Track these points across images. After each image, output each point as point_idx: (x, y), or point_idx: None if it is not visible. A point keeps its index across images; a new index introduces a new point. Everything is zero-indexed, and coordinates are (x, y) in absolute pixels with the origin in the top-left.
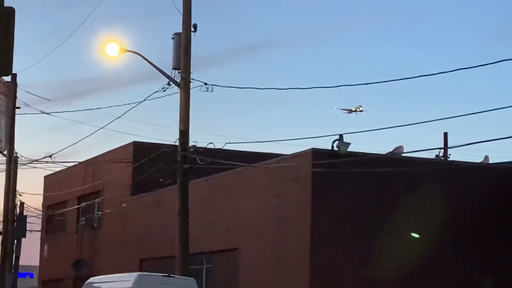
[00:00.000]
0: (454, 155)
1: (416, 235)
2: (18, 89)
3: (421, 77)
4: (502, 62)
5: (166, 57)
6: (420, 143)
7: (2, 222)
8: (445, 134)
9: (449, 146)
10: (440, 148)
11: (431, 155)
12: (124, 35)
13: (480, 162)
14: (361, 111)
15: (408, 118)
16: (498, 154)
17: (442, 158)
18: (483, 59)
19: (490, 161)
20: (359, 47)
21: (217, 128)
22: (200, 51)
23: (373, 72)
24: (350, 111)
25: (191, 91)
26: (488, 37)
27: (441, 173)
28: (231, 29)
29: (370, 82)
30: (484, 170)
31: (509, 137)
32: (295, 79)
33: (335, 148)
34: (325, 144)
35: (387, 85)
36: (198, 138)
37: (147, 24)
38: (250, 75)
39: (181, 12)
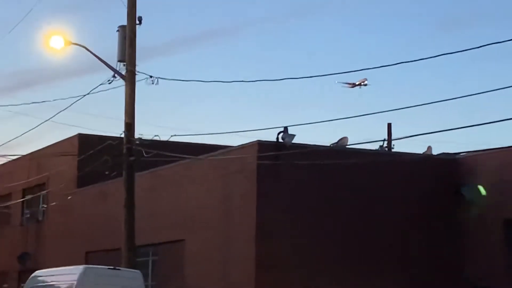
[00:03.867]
0: (398, 147)
1: None
2: None
3: (364, 70)
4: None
5: (112, 49)
6: (365, 134)
7: None
8: (389, 125)
9: (393, 137)
10: (384, 140)
11: (375, 146)
12: (69, 26)
13: (423, 153)
14: (365, 85)
15: (354, 109)
16: (441, 144)
17: (386, 149)
18: (429, 48)
19: (433, 152)
20: (304, 37)
21: (163, 120)
22: (145, 42)
23: (321, 63)
24: (354, 85)
25: (137, 83)
26: (433, 25)
27: (384, 164)
28: (176, 19)
29: (316, 75)
30: (427, 161)
31: (451, 129)
32: (241, 70)
33: (280, 140)
34: (272, 136)
35: (334, 77)
36: (144, 131)
37: (93, 15)
38: (196, 66)
39: (126, 4)
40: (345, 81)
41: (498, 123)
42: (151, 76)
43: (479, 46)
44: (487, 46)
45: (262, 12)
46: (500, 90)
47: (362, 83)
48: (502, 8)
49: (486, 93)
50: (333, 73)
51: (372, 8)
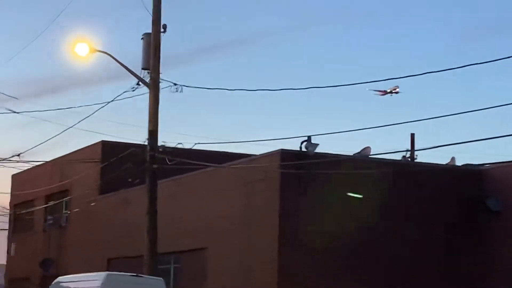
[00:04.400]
0: (421, 157)
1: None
2: None
3: (388, 80)
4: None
5: (136, 56)
6: (388, 144)
7: None
8: (412, 136)
9: (416, 148)
10: (408, 151)
11: (398, 156)
12: (94, 33)
13: (447, 164)
14: (396, 92)
15: (377, 119)
16: (465, 155)
17: (409, 159)
18: (453, 60)
19: (457, 163)
20: (327, 46)
21: (186, 128)
22: (170, 50)
23: (341, 74)
24: (385, 92)
25: (161, 91)
26: (456, 37)
27: (407, 174)
28: (201, 28)
29: (339, 84)
30: (451, 171)
31: (475, 140)
32: (266, 78)
33: (303, 149)
34: (296, 145)
35: (357, 87)
36: (167, 138)
37: (118, 22)
38: (220, 74)
39: (151, 12)
40: (376, 89)
41: None
42: (175, 84)
43: (507, 57)
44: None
45: (286, 21)
46: None
47: (393, 91)
48: None
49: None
50: (357, 82)
51: (398, 15)
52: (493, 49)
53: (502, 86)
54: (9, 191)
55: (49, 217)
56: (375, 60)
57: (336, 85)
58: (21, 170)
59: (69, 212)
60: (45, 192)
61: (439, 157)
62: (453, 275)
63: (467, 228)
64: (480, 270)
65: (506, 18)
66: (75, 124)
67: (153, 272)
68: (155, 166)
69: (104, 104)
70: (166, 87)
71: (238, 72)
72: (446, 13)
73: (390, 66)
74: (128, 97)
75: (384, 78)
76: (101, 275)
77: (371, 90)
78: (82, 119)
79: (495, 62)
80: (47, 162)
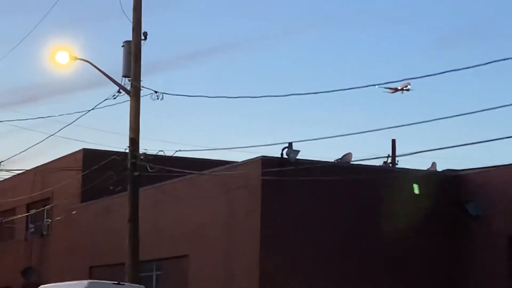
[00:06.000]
0: (402, 162)
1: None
2: None
3: (369, 86)
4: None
5: (117, 64)
6: (369, 150)
7: None
8: (393, 141)
9: (397, 153)
10: (388, 156)
11: (379, 162)
12: (75, 41)
13: (427, 169)
14: (407, 90)
15: (357, 125)
16: (446, 161)
17: (390, 165)
18: (434, 65)
19: (438, 168)
20: (309, 53)
21: (168, 136)
22: (151, 57)
23: (322, 79)
24: (395, 90)
25: (142, 98)
26: (436, 42)
27: (388, 180)
28: (181, 35)
29: (319, 91)
30: (430, 177)
31: (455, 146)
32: (249, 84)
33: (285, 156)
34: (278, 151)
35: (337, 93)
36: (149, 146)
37: (99, 30)
38: (202, 81)
39: (131, 20)
40: (387, 86)
41: (503, 140)
42: (156, 92)
43: (486, 63)
44: (495, 62)
45: (269, 28)
46: (506, 107)
47: (404, 88)
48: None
49: (492, 110)
50: (337, 89)
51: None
52: (472, 53)
53: (484, 91)
54: None
55: (30, 226)
56: (357, 66)
57: (316, 91)
58: (2, 179)
59: (50, 220)
60: (27, 201)
61: (422, 163)
62: (434, 279)
63: (447, 233)
64: (460, 274)
65: (484, 22)
66: (56, 133)
67: (135, 279)
68: (136, 173)
69: (85, 112)
70: (147, 94)
71: (221, 79)
72: (424, 18)
73: (373, 71)
74: (109, 105)
75: (366, 85)
76: (83, 283)
77: (381, 87)
78: (63, 127)
79: (476, 67)
80: (28, 170)
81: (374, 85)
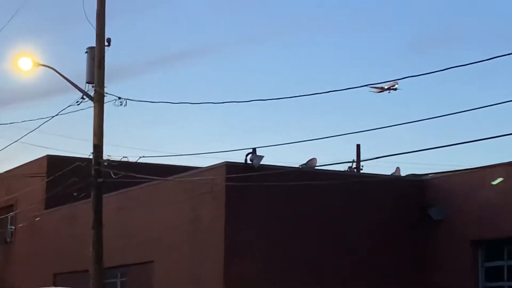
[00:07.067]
0: (367, 167)
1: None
2: None
3: (331, 92)
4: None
5: (81, 70)
6: (336, 155)
7: None
8: (358, 146)
9: (361, 158)
10: (353, 161)
11: (344, 167)
12: (38, 47)
13: (391, 174)
14: (395, 89)
15: (322, 130)
16: (412, 165)
17: (355, 170)
18: (396, 71)
19: (402, 173)
20: (273, 59)
21: (132, 142)
22: (115, 63)
23: (293, 84)
24: (382, 89)
25: (105, 105)
26: (401, 48)
27: (353, 185)
28: (146, 41)
29: (282, 97)
30: (394, 182)
31: (419, 150)
32: (211, 90)
33: (249, 161)
34: (242, 157)
35: (304, 99)
36: (113, 152)
37: (62, 35)
38: (167, 87)
39: (95, 26)
40: (373, 85)
41: (466, 144)
42: (119, 98)
43: (446, 68)
44: (456, 67)
45: (235, 33)
46: (469, 111)
47: (392, 87)
48: (473, 29)
49: (455, 114)
50: (301, 94)
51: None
52: (439, 58)
53: (451, 95)
54: None
55: None
56: (323, 72)
57: (279, 97)
58: None
59: (14, 227)
60: None
61: (386, 167)
62: (398, 282)
63: (411, 237)
64: (424, 278)
65: (450, 28)
66: (19, 139)
67: (100, 286)
68: (100, 180)
69: (48, 119)
70: (111, 100)
71: (185, 85)
72: (392, 24)
73: (338, 77)
74: (72, 111)
75: (326, 91)
76: None
77: (368, 86)
78: (26, 134)
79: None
80: None
81: (362, 86)
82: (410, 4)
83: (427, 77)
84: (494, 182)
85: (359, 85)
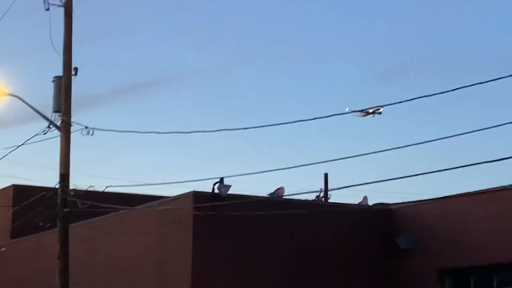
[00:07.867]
0: (335, 197)
1: None
2: None
3: (297, 121)
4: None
5: (48, 99)
6: (302, 184)
7: None
8: (326, 175)
9: (329, 187)
10: (320, 191)
11: (312, 196)
12: (4, 76)
13: (359, 203)
14: (379, 113)
15: (290, 159)
16: (380, 194)
17: (323, 199)
18: (368, 98)
19: (370, 202)
20: (245, 87)
21: (99, 171)
22: (83, 91)
23: (255, 115)
24: (367, 113)
25: (72, 134)
26: (371, 76)
27: (320, 214)
28: (114, 70)
29: (250, 127)
30: (361, 211)
31: (386, 180)
32: (178, 120)
33: (216, 191)
34: (210, 187)
35: (270, 129)
36: (80, 181)
37: (29, 64)
38: (134, 116)
39: (62, 55)
40: (357, 109)
41: (434, 173)
42: (86, 127)
43: (414, 98)
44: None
45: (205, 62)
46: (436, 141)
47: (376, 111)
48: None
49: (424, 143)
50: (270, 124)
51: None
52: (405, 88)
53: (420, 125)
54: None
55: None
56: (289, 102)
57: (247, 127)
58: None
59: None
60: None
61: (354, 196)
62: None
63: (379, 266)
64: None
65: (415, 59)
66: None
67: None
68: (66, 209)
69: (14, 148)
70: (78, 130)
71: (153, 114)
72: (358, 54)
73: (307, 107)
74: (39, 141)
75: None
76: None
77: (351, 110)
78: None
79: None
80: None
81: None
82: (375, 36)
83: (396, 106)
84: None
85: (343, 112)
